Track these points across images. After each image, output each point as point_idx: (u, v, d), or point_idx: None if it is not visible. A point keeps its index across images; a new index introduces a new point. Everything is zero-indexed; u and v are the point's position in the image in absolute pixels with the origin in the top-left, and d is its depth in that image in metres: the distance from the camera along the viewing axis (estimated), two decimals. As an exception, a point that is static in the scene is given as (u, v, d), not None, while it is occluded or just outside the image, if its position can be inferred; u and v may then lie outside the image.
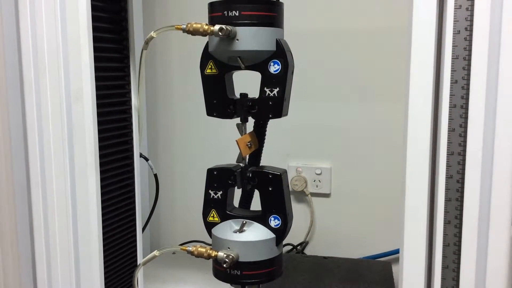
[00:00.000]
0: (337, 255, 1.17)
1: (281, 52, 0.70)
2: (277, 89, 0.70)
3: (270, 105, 0.71)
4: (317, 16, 1.21)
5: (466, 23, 0.61)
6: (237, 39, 0.69)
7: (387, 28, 1.15)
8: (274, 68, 0.70)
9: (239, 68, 0.72)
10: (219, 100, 0.74)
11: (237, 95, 0.75)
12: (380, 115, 1.18)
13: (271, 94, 0.71)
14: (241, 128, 0.75)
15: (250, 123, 0.77)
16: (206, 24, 0.70)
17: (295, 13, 1.17)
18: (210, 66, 0.73)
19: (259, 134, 0.77)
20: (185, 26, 0.71)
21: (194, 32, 0.70)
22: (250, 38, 0.69)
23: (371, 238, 1.23)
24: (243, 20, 0.68)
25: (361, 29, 1.18)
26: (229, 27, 0.68)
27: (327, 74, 1.22)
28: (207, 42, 0.73)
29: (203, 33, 0.70)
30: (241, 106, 0.73)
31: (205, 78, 0.74)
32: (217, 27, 0.68)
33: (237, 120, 0.76)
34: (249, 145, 0.76)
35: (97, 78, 0.78)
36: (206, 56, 0.73)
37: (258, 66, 0.71)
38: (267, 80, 0.71)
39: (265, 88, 0.71)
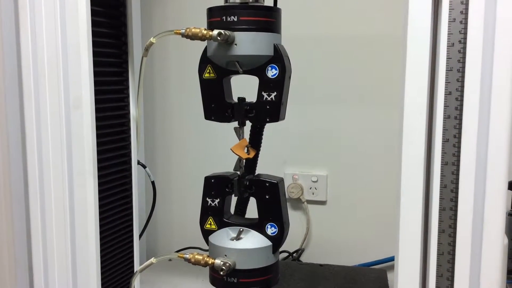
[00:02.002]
0: (333, 262, 1.17)
1: (278, 57, 0.71)
2: (275, 93, 0.71)
3: (268, 109, 0.72)
4: (316, 22, 1.22)
5: (460, 36, 0.62)
6: (235, 44, 0.70)
7: (386, 35, 1.16)
8: (272, 72, 0.71)
9: (237, 73, 0.73)
10: (217, 104, 0.75)
11: (235, 99, 0.76)
12: (377, 123, 1.19)
13: (269, 99, 0.72)
14: (238, 132, 0.76)
15: (247, 127, 0.78)
16: (205, 29, 0.71)
17: (293, 20, 1.18)
18: (208, 71, 0.74)
19: (256, 138, 0.78)
20: (184, 31, 0.72)
21: (193, 37, 0.71)
22: (248, 43, 0.70)
23: (366, 245, 1.23)
24: (241, 25, 0.70)
25: (359, 36, 1.19)
26: (227, 32, 0.69)
27: (324, 82, 1.23)
28: (206, 47, 0.74)
29: (202, 38, 0.71)
30: (239, 110, 0.74)
31: (203, 82, 0.75)
32: (215, 32, 0.69)
33: (235, 124, 0.76)
34: (247, 150, 0.76)
35: (96, 84, 0.78)
36: (205, 61, 0.74)
37: (256, 70, 0.72)
38: (265, 85, 0.72)
39: (263, 93, 0.72)
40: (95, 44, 0.77)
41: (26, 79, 0.79)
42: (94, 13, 0.77)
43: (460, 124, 0.63)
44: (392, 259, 1.17)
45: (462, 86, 0.62)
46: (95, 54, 0.78)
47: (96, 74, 0.78)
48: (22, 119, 0.81)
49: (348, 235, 1.25)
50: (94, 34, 0.77)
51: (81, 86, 0.77)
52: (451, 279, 0.65)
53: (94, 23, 0.77)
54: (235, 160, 0.78)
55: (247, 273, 0.74)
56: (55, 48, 0.77)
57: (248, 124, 0.77)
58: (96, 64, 0.78)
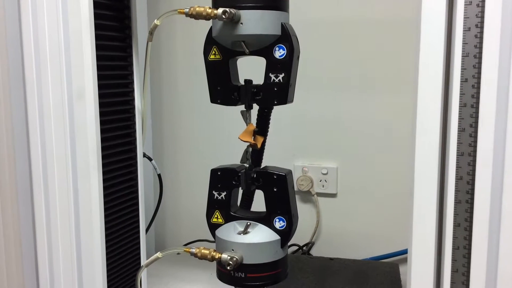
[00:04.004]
0: (344, 256, 1.15)
1: (286, 37, 0.69)
2: (282, 74, 0.69)
3: (275, 91, 0.70)
4: (328, 5, 1.18)
5: (477, 19, 0.59)
6: (241, 23, 0.67)
7: (400, 19, 1.13)
8: (279, 53, 0.69)
9: (243, 54, 0.71)
10: (223, 87, 0.73)
11: (242, 82, 0.73)
12: (389, 114, 1.17)
13: (276, 80, 0.69)
14: (245, 115, 0.74)
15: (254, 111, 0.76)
16: (210, 8, 0.68)
17: (304, 2, 1.15)
18: (213, 52, 0.72)
19: (263, 123, 0.75)
20: (188, 10, 0.69)
21: (197, 16, 0.69)
22: (255, 21, 0.67)
23: (377, 238, 1.22)
24: (247, 3, 0.67)
25: (372, 20, 1.16)
26: (232, 10, 0.66)
27: (335, 70, 1.20)
28: (211, 27, 0.71)
29: (206, 17, 0.68)
30: (246, 93, 0.72)
31: (209, 64, 0.73)
32: (220, 10, 0.66)
33: (242, 107, 0.74)
34: (254, 136, 0.74)
35: (99, 69, 0.76)
36: (210, 42, 0.72)
37: (263, 51, 0.70)
38: (272, 66, 0.70)
39: (270, 74, 0.70)
40: (96, 27, 0.75)
41: (28, 69, 0.78)
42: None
43: (476, 112, 0.60)
44: (403, 252, 1.16)
45: (479, 73, 0.59)
46: (97, 37, 0.76)
47: (98, 58, 0.76)
48: (26, 111, 0.80)
49: (359, 228, 1.23)
50: (96, 16, 0.75)
51: (84, 73, 0.75)
52: (466, 274, 0.63)
53: (96, 5, 0.75)
54: (243, 151, 0.76)
55: (254, 268, 0.72)
56: (57, 33, 0.75)
57: (255, 109, 0.75)
58: (98, 48, 0.76)
